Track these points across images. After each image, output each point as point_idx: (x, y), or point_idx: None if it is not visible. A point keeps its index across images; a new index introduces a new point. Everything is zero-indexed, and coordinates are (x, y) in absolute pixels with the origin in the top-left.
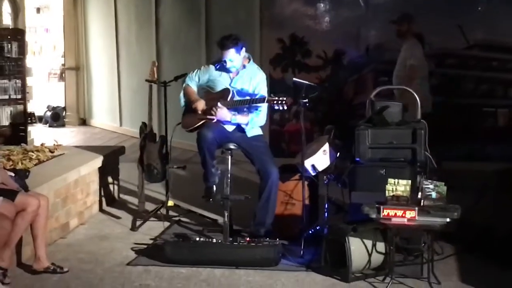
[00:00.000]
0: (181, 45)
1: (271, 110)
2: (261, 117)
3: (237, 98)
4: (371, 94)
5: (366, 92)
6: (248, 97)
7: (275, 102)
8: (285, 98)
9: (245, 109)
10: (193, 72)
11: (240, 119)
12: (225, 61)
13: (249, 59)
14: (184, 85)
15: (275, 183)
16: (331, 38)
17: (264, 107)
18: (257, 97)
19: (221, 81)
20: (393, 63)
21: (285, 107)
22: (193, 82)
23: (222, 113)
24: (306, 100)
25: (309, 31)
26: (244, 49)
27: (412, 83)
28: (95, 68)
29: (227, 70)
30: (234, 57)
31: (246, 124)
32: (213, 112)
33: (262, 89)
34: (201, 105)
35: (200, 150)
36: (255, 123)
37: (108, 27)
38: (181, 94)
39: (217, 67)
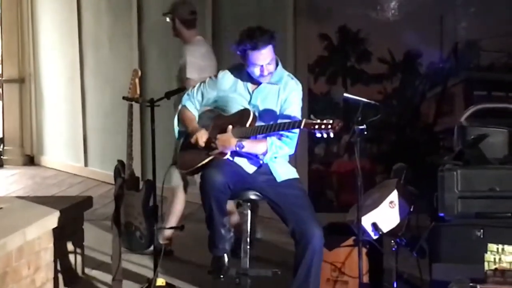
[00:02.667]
0: (176, 47)
1: (310, 140)
2: (290, 145)
3: (260, 123)
4: (462, 116)
5: (454, 113)
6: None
7: (316, 127)
8: (331, 121)
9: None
10: (194, 87)
11: (252, 146)
12: (260, 66)
13: (277, 64)
14: (180, 107)
15: (317, 251)
16: (401, 33)
17: (296, 134)
18: (286, 121)
19: (236, 98)
20: (495, 70)
21: (331, 134)
22: (193, 103)
23: (223, 140)
24: (364, 126)
25: (367, 22)
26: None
27: None
28: (47, 80)
29: (246, 79)
30: (271, 58)
31: (265, 154)
32: (213, 145)
33: (294, 108)
34: (202, 137)
35: (205, 201)
36: (277, 149)
37: (67, 20)
38: (175, 121)
39: (231, 77)
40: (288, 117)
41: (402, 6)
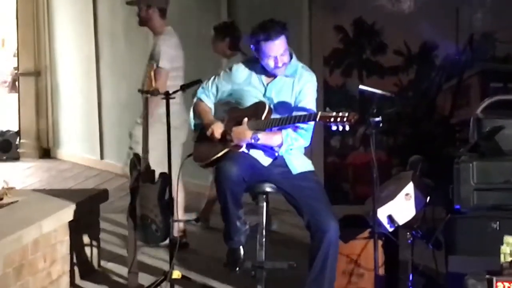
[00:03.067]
0: (193, 38)
1: (326, 132)
2: (305, 136)
3: (275, 115)
4: (478, 108)
5: (470, 105)
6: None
7: (331, 120)
8: (346, 114)
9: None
10: (209, 80)
11: (267, 138)
12: (274, 58)
13: (291, 56)
14: (195, 100)
15: (333, 243)
16: (417, 24)
17: (311, 126)
18: (302, 113)
19: (250, 91)
20: (511, 62)
21: (347, 127)
22: (208, 96)
23: (238, 133)
24: (379, 118)
25: (383, 14)
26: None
27: None
28: (63, 73)
29: (260, 72)
30: (285, 48)
31: (280, 146)
32: (228, 137)
33: (309, 100)
34: (218, 129)
35: (220, 194)
36: (292, 141)
37: (83, 13)
38: (191, 113)
39: (245, 70)
40: (303, 109)
41: None
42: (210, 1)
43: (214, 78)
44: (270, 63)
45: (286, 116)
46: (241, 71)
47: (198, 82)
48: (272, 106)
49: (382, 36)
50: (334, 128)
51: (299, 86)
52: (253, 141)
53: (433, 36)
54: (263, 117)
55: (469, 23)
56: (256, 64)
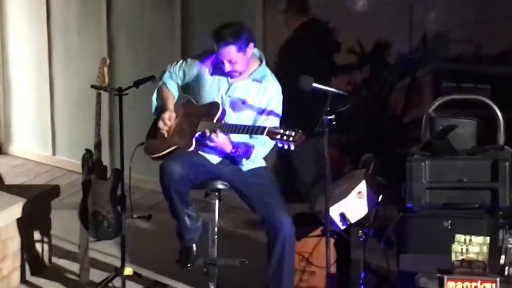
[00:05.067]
0: (145, 34)
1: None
2: (268, 147)
3: (231, 118)
4: (430, 107)
5: (423, 104)
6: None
7: (277, 137)
8: (293, 133)
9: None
10: (176, 64)
11: (243, 152)
12: (222, 63)
13: (261, 61)
14: (159, 83)
15: (288, 239)
16: (370, 22)
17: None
18: (254, 125)
19: (213, 85)
20: (464, 61)
21: (292, 147)
22: (174, 80)
23: (221, 142)
24: (332, 117)
25: (336, 12)
26: (252, 44)
27: None
28: (15, 67)
29: (225, 73)
30: (237, 57)
31: (248, 157)
32: (179, 133)
33: (274, 109)
34: (166, 116)
35: (166, 193)
36: (258, 155)
37: (35, 7)
38: (154, 96)
39: (213, 62)
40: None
41: None
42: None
43: (182, 63)
44: (223, 66)
45: (237, 124)
46: (208, 61)
47: (151, 79)
48: (230, 105)
49: (336, 34)
50: (279, 145)
51: (266, 96)
52: (230, 153)
53: (386, 35)
54: (215, 120)
55: (423, 22)
56: None
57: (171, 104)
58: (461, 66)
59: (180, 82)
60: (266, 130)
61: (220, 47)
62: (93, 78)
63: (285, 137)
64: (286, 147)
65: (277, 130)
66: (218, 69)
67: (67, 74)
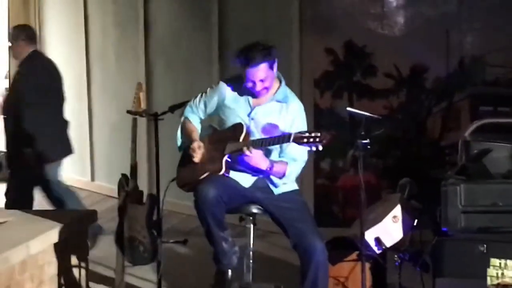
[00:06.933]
0: (182, 59)
1: (316, 155)
2: (300, 164)
3: (257, 136)
4: (466, 131)
5: (460, 128)
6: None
7: (304, 140)
8: (319, 134)
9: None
10: (196, 98)
11: (278, 168)
12: (253, 83)
13: (280, 81)
14: (182, 118)
15: (322, 264)
16: (407, 47)
17: (298, 149)
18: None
19: (236, 109)
20: (500, 85)
21: (320, 147)
22: (196, 113)
23: (255, 158)
24: (368, 141)
25: (373, 37)
26: (276, 64)
27: None
28: None
29: (248, 93)
30: (267, 75)
31: (281, 177)
32: (207, 160)
33: (299, 127)
34: (195, 145)
35: (201, 217)
36: (292, 173)
37: (74, 34)
38: (178, 133)
39: (232, 88)
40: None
41: (408, 20)
42: (201, 20)
43: (202, 95)
44: (250, 86)
45: (263, 137)
46: (228, 88)
47: (186, 103)
48: (256, 127)
49: (373, 58)
50: (307, 148)
51: (289, 115)
52: (267, 169)
53: (423, 59)
54: (241, 139)
55: (459, 46)
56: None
57: (196, 136)
58: (497, 90)
59: (202, 115)
60: (293, 135)
61: (251, 67)
62: (130, 103)
63: (311, 139)
64: (314, 148)
65: (302, 134)
66: (240, 93)
67: (105, 100)
